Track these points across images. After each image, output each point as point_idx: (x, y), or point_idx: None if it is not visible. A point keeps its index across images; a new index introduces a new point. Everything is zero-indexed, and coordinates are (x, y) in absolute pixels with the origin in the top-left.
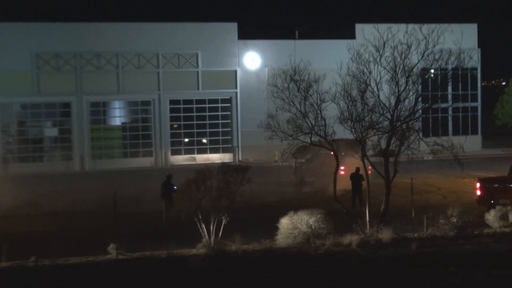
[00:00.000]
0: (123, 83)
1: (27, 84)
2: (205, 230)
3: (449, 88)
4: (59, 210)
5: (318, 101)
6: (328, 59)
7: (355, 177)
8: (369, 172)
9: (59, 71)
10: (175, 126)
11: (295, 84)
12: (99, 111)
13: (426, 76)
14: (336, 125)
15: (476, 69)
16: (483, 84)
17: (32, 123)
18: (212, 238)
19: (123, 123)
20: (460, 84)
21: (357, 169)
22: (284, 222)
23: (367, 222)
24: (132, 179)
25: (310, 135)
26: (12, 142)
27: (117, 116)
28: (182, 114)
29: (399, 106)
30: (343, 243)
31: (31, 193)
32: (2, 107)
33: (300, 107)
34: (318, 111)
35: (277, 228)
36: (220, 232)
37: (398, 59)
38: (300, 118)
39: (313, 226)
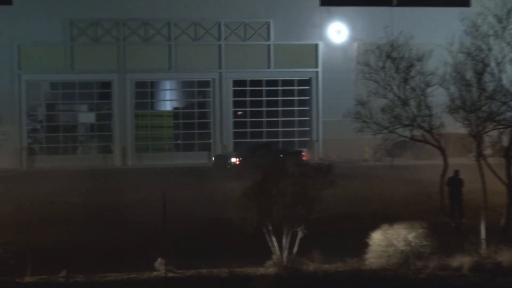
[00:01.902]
0: (176, 58)
1: (58, 59)
2: (276, 244)
3: None
4: (93, 215)
5: (422, 85)
6: (434, 32)
7: (454, 181)
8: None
9: (98, 43)
10: (239, 113)
11: (392, 63)
12: (146, 93)
13: None
14: (444, 115)
15: None
16: None
17: (64, 107)
18: (285, 255)
19: (175, 109)
20: None
21: (456, 172)
22: (376, 238)
23: (483, 240)
24: (185, 178)
25: (411, 127)
26: (39, 129)
27: (168, 100)
28: (248, 99)
29: None
30: (451, 265)
31: (60, 193)
32: (28, 86)
33: (399, 92)
34: (422, 98)
35: (366, 245)
36: (295, 248)
37: None
38: (399, 106)
39: (412, 243)
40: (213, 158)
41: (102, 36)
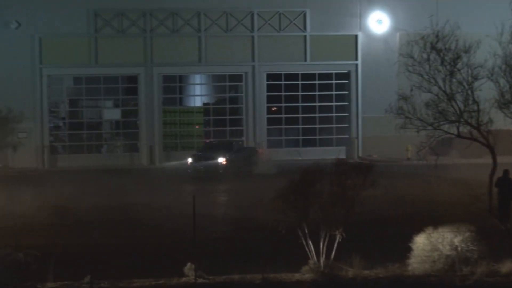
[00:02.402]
0: (206, 51)
1: (82, 52)
2: (312, 248)
3: None
4: (118, 217)
5: (469, 78)
6: (483, 21)
7: (503, 182)
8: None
9: (123, 34)
10: (273, 109)
11: (437, 55)
12: (175, 87)
13: None
14: (493, 110)
15: None
16: None
17: (87, 103)
18: (322, 260)
19: (205, 104)
20: None
21: (506, 171)
22: (420, 241)
23: None
24: (217, 178)
25: (457, 123)
26: (62, 126)
27: (198, 95)
28: (283, 93)
29: None
30: (501, 271)
31: (82, 194)
32: (50, 81)
33: (445, 86)
34: (469, 92)
35: (409, 249)
36: (333, 252)
37: None
38: (444, 100)
39: (459, 248)
40: (190, 159)
41: (128, 28)
